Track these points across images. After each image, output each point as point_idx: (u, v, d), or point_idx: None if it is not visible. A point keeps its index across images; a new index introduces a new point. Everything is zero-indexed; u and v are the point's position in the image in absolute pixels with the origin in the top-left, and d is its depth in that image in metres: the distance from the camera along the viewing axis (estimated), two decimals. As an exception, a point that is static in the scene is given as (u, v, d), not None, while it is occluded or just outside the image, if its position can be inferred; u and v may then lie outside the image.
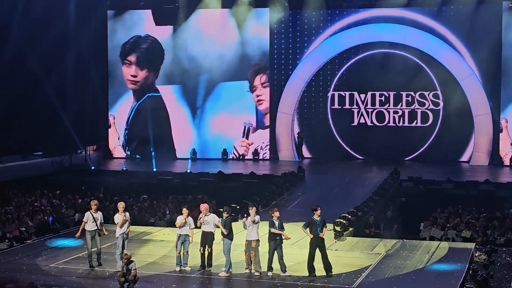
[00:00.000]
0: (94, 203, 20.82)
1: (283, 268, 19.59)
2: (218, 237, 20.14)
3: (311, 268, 19.51)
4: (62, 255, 21.90)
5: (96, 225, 20.40)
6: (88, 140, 39.57)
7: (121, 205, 20.52)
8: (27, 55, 34.54)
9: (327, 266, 19.51)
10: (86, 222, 20.43)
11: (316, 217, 19.57)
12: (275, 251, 19.61)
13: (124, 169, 36.77)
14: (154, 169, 36.71)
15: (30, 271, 20.09)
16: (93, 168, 37.32)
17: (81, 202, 29.29)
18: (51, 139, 36.90)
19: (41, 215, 26.60)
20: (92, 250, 20.44)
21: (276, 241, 19.59)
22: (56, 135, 36.69)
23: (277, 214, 19.79)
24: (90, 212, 20.52)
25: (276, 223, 19.64)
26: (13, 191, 30.64)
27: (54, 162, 37.39)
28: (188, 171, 35.76)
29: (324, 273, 19.48)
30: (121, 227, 20.09)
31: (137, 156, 40.92)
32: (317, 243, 19.46)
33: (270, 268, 19.63)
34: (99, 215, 20.62)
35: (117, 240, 20.19)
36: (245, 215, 20.81)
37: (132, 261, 18.22)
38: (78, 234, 20.90)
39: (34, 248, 23.06)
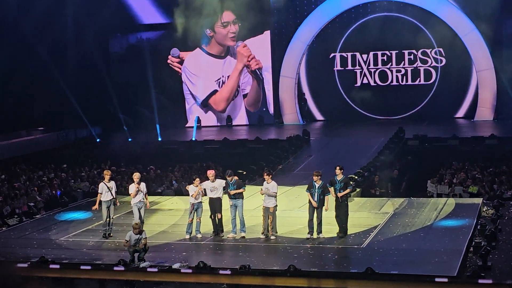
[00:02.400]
0: (107, 173, 20.76)
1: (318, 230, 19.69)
2: (226, 203, 20.17)
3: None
4: (72, 228, 21.98)
5: (112, 194, 20.34)
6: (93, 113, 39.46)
7: (136, 175, 20.37)
8: (36, 37, 34.35)
9: (339, 226, 19.58)
10: (101, 193, 20.40)
11: (317, 182, 19.50)
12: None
13: (130, 140, 36.80)
14: (159, 139, 36.75)
15: (41, 245, 20.18)
16: (98, 140, 37.34)
17: (89, 174, 29.39)
18: (55, 114, 36.87)
19: (49, 189, 26.70)
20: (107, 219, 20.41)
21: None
22: (61, 109, 36.64)
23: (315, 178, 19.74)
24: (104, 183, 20.46)
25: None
26: (20, 166, 30.71)
27: (59, 136, 37.46)
28: (193, 139, 35.78)
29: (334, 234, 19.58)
30: (134, 197, 20.07)
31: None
32: (337, 202, 19.51)
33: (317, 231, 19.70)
34: (112, 185, 20.56)
35: (133, 210, 20.21)
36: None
37: (142, 231, 18.31)
38: (95, 206, 20.66)
39: (43, 222, 23.14)
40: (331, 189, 19.53)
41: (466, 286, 6.25)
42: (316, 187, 19.52)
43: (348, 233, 19.60)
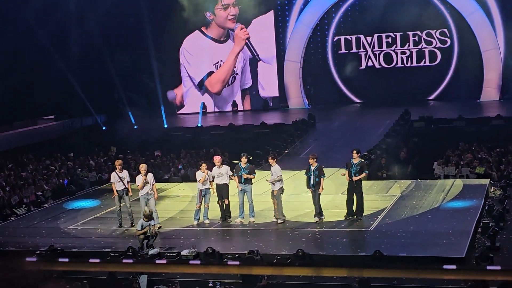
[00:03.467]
0: (118, 163, 20.68)
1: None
2: (233, 189, 20.21)
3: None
4: (80, 217, 22.05)
5: (124, 184, 20.26)
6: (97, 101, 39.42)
7: (142, 167, 20.26)
8: (38, 26, 34.20)
9: (356, 209, 19.58)
10: (114, 183, 20.33)
11: (313, 164, 19.49)
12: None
13: (135, 127, 36.83)
14: (165, 126, 36.77)
15: (50, 234, 20.26)
16: (104, 128, 37.36)
17: (96, 162, 29.45)
18: (62, 103, 36.86)
19: (56, 178, 26.76)
20: (123, 210, 20.37)
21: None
22: (66, 98, 36.59)
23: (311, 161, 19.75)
24: (116, 172, 20.40)
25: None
26: (27, 156, 30.76)
27: (65, 125, 37.50)
28: (199, 125, 35.80)
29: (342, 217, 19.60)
30: (141, 189, 20.00)
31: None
32: (351, 186, 19.47)
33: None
34: (125, 174, 20.47)
35: (140, 203, 20.08)
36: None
37: (152, 219, 18.36)
38: (114, 195, 20.48)
39: (51, 211, 23.23)
40: (346, 172, 19.49)
41: (474, 273, 6.22)
42: (312, 169, 19.50)
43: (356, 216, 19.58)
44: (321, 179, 19.50)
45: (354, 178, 19.31)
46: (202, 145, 31.05)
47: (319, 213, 19.61)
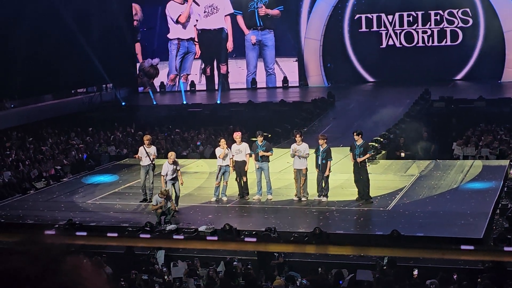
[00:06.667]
0: (146, 138, 20.59)
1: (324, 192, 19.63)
2: (251, 166, 20.19)
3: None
4: (98, 191, 22.15)
5: (150, 159, 20.16)
6: (116, 75, 39.42)
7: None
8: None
9: (360, 191, 19.48)
10: (141, 157, 20.29)
11: (322, 145, 19.41)
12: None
13: (154, 103, 36.89)
14: (184, 102, 36.79)
15: (68, 208, 20.38)
16: (123, 104, 37.40)
17: (114, 137, 29.57)
18: (81, 77, 36.93)
19: (75, 152, 26.88)
20: (147, 186, 20.40)
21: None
22: (85, 73, 36.63)
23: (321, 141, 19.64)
24: (144, 147, 20.31)
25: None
26: (46, 130, 30.90)
27: (84, 99, 37.62)
28: (218, 102, 35.79)
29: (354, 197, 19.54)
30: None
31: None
32: (356, 167, 19.32)
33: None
34: (152, 150, 20.37)
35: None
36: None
37: (170, 196, 18.44)
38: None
39: (70, 185, 23.34)
40: (351, 154, 19.39)
41: (492, 253, 6.17)
42: (320, 150, 19.38)
43: (373, 196, 19.41)
44: (328, 161, 19.27)
45: (358, 160, 19.06)
46: (222, 121, 31.05)
47: (321, 191, 19.48)
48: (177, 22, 40.98)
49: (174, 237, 8.09)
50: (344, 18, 40.07)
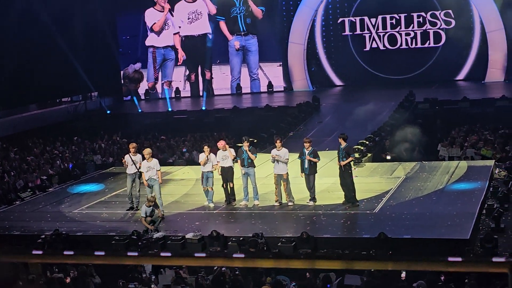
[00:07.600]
0: (132, 146, 20.52)
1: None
2: (237, 172, 20.18)
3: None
4: (85, 201, 22.09)
5: (136, 167, 20.10)
6: (101, 84, 39.23)
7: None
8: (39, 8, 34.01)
9: (347, 195, 19.51)
10: (127, 166, 20.24)
11: (307, 148, 19.49)
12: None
13: (140, 111, 36.82)
14: (169, 109, 36.74)
15: (55, 218, 20.30)
16: (108, 112, 37.32)
17: (100, 146, 29.47)
18: (66, 86, 36.77)
19: (60, 161, 26.77)
20: (133, 194, 20.37)
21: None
22: (70, 82, 36.47)
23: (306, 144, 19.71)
24: (129, 156, 20.27)
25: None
26: (32, 140, 30.76)
27: (69, 108, 37.50)
28: (203, 108, 35.75)
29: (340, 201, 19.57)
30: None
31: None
32: (340, 171, 19.38)
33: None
34: (138, 158, 20.27)
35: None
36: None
37: (156, 204, 18.43)
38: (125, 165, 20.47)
39: (56, 195, 23.27)
40: (337, 158, 19.48)
41: (479, 265, 6.14)
42: (306, 153, 19.47)
43: (360, 199, 19.48)
44: (317, 160, 19.58)
45: (342, 163, 19.20)
46: (207, 128, 31.02)
47: (313, 198, 19.62)
48: (151, 30, 40.80)
49: (162, 254, 8.03)
50: (328, 22, 40.11)
